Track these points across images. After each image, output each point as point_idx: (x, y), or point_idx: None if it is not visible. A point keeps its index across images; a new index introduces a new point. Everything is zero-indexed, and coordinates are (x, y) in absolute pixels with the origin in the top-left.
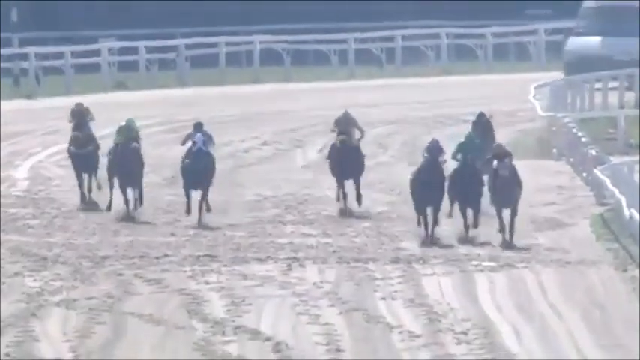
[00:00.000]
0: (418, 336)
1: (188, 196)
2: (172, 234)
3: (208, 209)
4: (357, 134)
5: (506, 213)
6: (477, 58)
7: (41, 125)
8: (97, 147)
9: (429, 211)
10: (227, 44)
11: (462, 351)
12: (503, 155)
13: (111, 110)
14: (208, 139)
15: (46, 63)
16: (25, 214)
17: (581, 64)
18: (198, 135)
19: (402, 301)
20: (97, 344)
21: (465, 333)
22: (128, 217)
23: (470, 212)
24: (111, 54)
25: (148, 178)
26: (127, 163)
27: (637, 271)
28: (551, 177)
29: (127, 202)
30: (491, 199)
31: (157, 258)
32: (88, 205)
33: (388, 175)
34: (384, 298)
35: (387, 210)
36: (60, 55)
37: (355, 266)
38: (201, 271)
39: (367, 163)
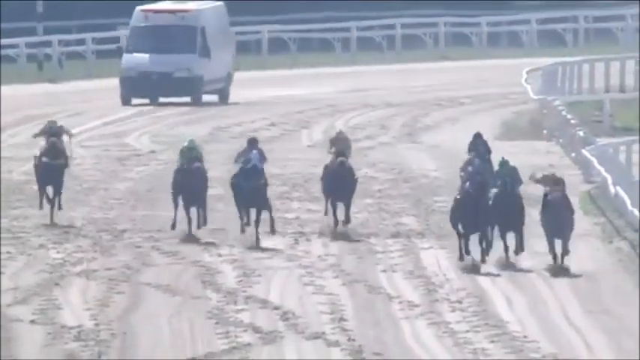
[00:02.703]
0: (416, 305)
1: (242, 215)
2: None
3: (273, 231)
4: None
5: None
6: (472, 45)
7: (64, 107)
8: (67, 162)
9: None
10: (237, 33)
11: (456, 318)
12: (554, 183)
13: None
14: (262, 155)
15: (69, 49)
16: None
17: (138, 81)
18: (254, 152)
19: (402, 273)
20: (115, 312)
21: (459, 302)
22: (191, 238)
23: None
24: None
25: (165, 156)
26: (191, 184)
27: (622, 243)
28: (542, 156)
29: (189, 221)
30: (542, 226)
31: (172, 231)
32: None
33: (389, 154)
34: (384, 271)
35: (388, 187)
36: (81, 42)
37: (357, 240)
38: (215, 244)
39: (370, 142)
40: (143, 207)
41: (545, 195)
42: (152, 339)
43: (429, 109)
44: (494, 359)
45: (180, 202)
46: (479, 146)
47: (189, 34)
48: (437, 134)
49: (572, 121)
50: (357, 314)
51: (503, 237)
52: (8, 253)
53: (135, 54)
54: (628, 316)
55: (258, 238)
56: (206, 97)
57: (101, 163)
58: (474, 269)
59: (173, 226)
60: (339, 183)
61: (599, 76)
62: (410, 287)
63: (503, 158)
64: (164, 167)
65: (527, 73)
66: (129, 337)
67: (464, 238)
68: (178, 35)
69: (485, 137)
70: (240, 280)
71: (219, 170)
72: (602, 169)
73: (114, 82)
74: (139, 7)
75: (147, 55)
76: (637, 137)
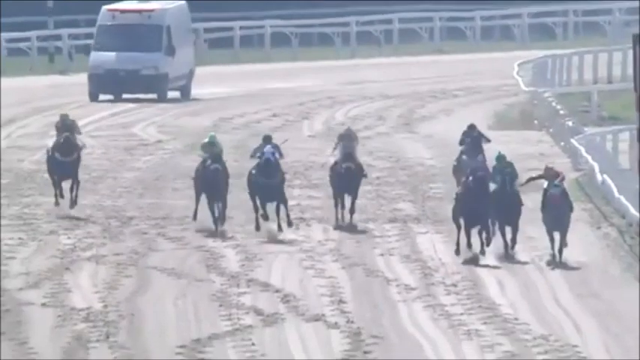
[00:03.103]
0: (413, 288)
1: (259, 208)
2: (192, 197)
3: (290, 223)
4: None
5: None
6: (466, 38)
7: (73, 99)
8: (80, 157)
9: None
10: (241, 28)
11: (451, 301)
12: (554, 176)
13: None
14: (277, 150)
15: (78, 42)
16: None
17: (105, 78)
18: (268, 147)
19: (399, 257)
20: (123, 295)
21: (454, 285)
22: (215, 232)
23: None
24: None
25: (171, 145)
26: (213, 183)
27: (610, 228)
28: (533, 145)
29: (214, 219)
30: (543, 220)
31: (178, 218)
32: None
33: (386, 144)
34: (382, 255)
35: (385, 175)
36: (90, 36)
37: (357, 226)
38: (219, 230)
39: (368, 133)
40: (150, 195)
41: (546, 191)
42: (158, 320)
43: (424, 100)
44: (487, 340)
45: (204, 199)
46: (472, 137)
47: (155, 33)
48: (432, 125)
49: (562, 112)
50: (355, 297)
51: (502, 233)
52: (20, 239)
53: (102, 52)
54: (616, 299)
55: (280, 226)
56: (169, 94)
57: (109, 153)
58: (473, 260)
59: (194, 217)
60: (345, 183)
61: (587, 68)
62: (406, 271)
63: (499, 153)
64: (170, 156)
65: (519, 65)
66: (136, 319)
67: (465, 232)
68: (145, 34)
69: (478, 127)
70: (243, 264)
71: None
72: (589, 158)
73: None
74: (105, 7)
75: (114, 54)
76: (624, 126)
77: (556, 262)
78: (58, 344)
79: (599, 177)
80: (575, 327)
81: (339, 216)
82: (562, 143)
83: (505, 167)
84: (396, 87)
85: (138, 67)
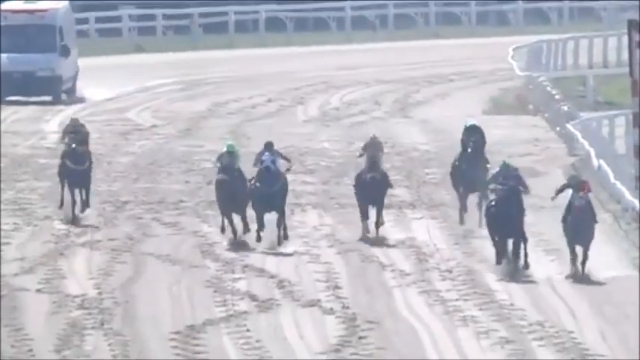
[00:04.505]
0: (408, 274)
1: (260, 220)
2: (187, 182)
3: (286, 236)
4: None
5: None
6: (461, 23)
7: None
8: (91, 164)
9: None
10: (236, 12)
11: (447, 287)
12: (579, 183)
13: (131, 71)
14: (278, 157)
15: None
16: (54, 164)
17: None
18: (267, 154)
19: (394, 242)
20: (118, 281)
21: (450, 271)
22: (241, 243)
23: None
24: (131, 20)
25: (166, 130)
26: (230, 195)
27: (606, 215)
28: (528, 130)
29: (234, 231)
30: (564, 232)
31: (173, 203)
32: (72, 222)
33: (382, 128)
34: (377, 240)
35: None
36: (85, 21)
37: (351, 211)
38: (213, 215)
39: (363, 117)
40: (144, 180)
41: (570, 202)
42: (153, 307)
43: (419, 85)
44: (482, 326)
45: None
46: (475, 142)
47: (50, 34)
48: (427, 109)
49: (557, 97)
50: (351, 282)
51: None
52: (15, 224)
53: None
54: (612, 285)
55: (280, 238)
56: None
57: (104, 138)
58: (513, 275)
59: (222, 230)
60: (369, 194)
61: (582, 53)
62: (401, 256)
63: (504, 162)
64: (165, 141)
65: (514, 50)
66: (131, 305)
67: (499, 245)
68: (38, 35)
69: (473, 114)
70: (238, 250)
71: (218, 144)
72: (585, 143)
73: (115, 60)
74: None
75: (6, 55)
76: (619, 111)
77: (579, 277)
78: (54, 331)
79: (595, 162)
80: (570, 313)
81: (366, 229)
82: (557, 128)
83: (510, 173)
84: (392, 72)
85: (33, 69)
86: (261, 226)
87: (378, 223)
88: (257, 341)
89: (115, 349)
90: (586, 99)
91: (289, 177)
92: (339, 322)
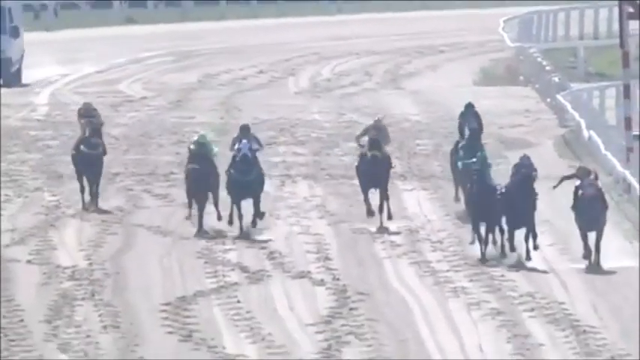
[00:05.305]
0: (399, 245)
1: (237, 206)
2: (177, 153)
3: (260, 217)
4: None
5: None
6: None
7: (59, 56)
8: (105, 150)
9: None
10: None
11: (437, 258)
12: (587, 174)
13: (122, 43)
14: (255, 143)
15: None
16: (45, 136)
17: None
18: (244, 141)
19: (385, 213)
20: (109, 253)
21: (440, 242)
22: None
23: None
24: None
25: (157, 102)
26: (200, 185)
27: None
28: (518, 101)
29: (200, 220)
30: (575, 221)
31: (163, 175)
32: (89, 207)
33: (373, 100)
34: (368, 212)
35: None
36: None
37: (342, 182)
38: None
39: (354, 89)
40: (135, 151)
41: (577, 190)
42: (143, 278)
43: (410, 56)
44: (473, 297)
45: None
46: (469, 117)
47: None
48: (418, 81)
49: (548, 68)
50: (341, 254)
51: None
52: (6, 195)
53: None
54: (602, 257)
55: (255, 222)
56: None
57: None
58: (518, 265)
59: (189, 217)
60: (371, 174)
61: (573, 24)
62: (392, 227)
63: (481, 152)
64: (156, 113)
65: (505, 21)
66: (121, 277)
67: (509, 233)
68: None
69: (465, 85)
70: (229, 221)
71: (209, 116)
72: (576, 114)
73: (106, 32)
74: None
75: None
76: (610, 83)
77: (593, 267)
78: (44, 302)
79: (585, 134)
80: (561, 285)
81: (370, 208)
82: (548, 99)
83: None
84: (383, 43)
85: None
86: (239, 213)
87: (382, 208)
88: (247, 312)
89: (106, 320)
90: (577, 70)
91: (280, 148)
92: (329, 294)
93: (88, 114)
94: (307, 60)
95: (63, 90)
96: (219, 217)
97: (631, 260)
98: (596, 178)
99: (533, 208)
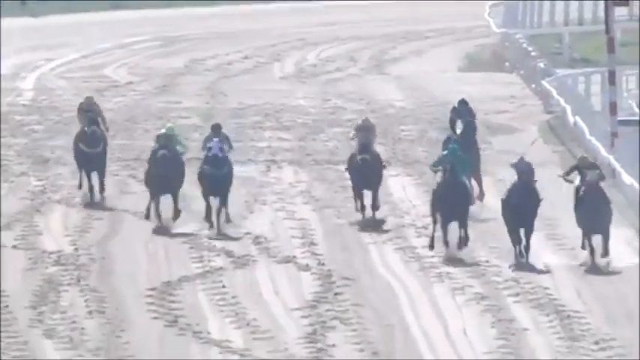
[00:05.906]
0: (384, 231)
1: (207, 202)
2: None
3: (227, 220)
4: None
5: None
6: None
7: (45, 41)
8: (106, 145)
9: (521, 232)
10: None
11: (422, 243)
12: (589, 168)
13: (107, 28)
14: (225, 142)
15: None
16: (30, 121)
17: None
18: (215, 140)
19: (370, 199)
20: (94, 238)
21: (425, 228)
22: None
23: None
24: None
25: (142, 87)
26: (163, 171)
27: None
28: (503, 87)
29: (158, 214)
30: (577, 222)
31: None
32: (91, 202)
33: (357, 86)
34: (352, 197)
35: (356, 117)
36: None
37: (327, 168)
38: (190, 172)
39: (339, 74)
40: (121, 136)
41: (578, 189)
42: (129, 263)
43: (396, 42)
44: (457, 282)
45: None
46: (464, 113)
47: None
48: (403, 66)
49: (533, 54)
50: (326, 239)
51: (445, 228)
52: None
53: None
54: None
55: (228, 217)
56: None
57: (81, 94)
58: (519, 266)
59: (147, 216)
60: (362, 174)
61: (559, 10)
62: (377, 213)
63: (453, 146)
64: (141, 98)
65: (490, 7)
66: (107, 262)
67: (513, 233)
68: None
69: (450, 71)
70: (215, 206)
71: (194, 101)
72: (561, 100)
73: (92, 17)
74: None
75: None
76: (595, 69)
77: (600, 270)
78: (30, 287)
79: (570, 119)
80: (546, 269)
81: (359, 208)
82: (533, 85)
83: (453, 158)
84: (368, 28)
85: None
86: (211, 207)
87: (374, 207)
88: (233, 297)
89: (91, 305)
90: (562, 56)
91: (266, 133)
92: (314, 279)
93: (89, 108)
94: (293, 45)
95: (49, 75)
96: (179, 214)
97: (615, 244)
98: (602, 177)
99: (535, 214)
